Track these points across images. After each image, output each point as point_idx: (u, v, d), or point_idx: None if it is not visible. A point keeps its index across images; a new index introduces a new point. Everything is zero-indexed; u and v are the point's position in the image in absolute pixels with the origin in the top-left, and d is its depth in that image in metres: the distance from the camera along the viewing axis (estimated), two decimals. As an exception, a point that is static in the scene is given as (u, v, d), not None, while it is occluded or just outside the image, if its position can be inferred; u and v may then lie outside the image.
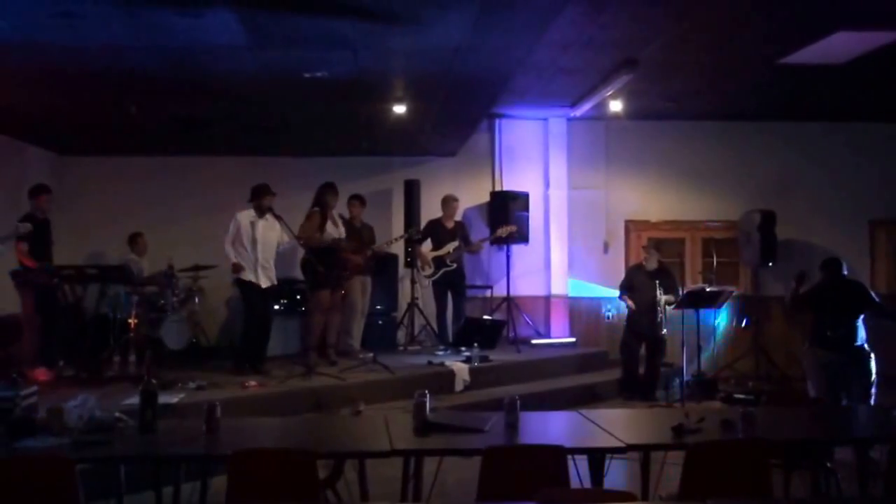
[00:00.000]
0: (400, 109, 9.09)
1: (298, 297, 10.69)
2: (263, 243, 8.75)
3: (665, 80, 9.76)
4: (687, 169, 12.31)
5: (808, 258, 11.03)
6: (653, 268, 10.10)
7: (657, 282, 9.84)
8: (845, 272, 7.79)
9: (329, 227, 9.29)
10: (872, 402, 7.34)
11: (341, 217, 9.68)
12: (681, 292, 10.00)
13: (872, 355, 7.47)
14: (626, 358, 10.19)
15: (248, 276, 8.66)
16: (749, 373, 11.38)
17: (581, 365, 10.77)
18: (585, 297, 12.09)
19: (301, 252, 9.37)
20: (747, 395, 9.68)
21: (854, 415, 6.07)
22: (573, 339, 11.69)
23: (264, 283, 8.76)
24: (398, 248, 11.39)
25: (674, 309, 9.80)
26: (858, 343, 7.49)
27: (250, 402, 7.45)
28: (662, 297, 9.78)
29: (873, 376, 7.41)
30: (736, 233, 12.16)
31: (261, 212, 8.71)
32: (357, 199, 10.21)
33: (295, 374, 8.41)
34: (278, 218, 8.57)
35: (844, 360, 7.45)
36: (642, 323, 9.99)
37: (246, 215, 8.72)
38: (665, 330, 9.92)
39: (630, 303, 10.06)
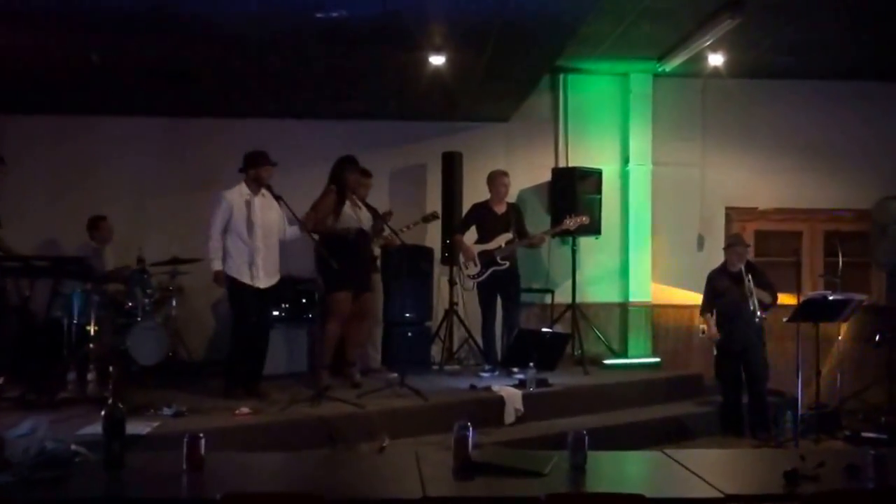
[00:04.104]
0: (438, 61, 9.08)
1: (304, 300, 10.70)
2: (264, 227, 8.74)
3: (780, 27, 9.68)
4: (806, 143, 12.24)
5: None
6: (738, 269, 9.99)
7: (748, 281, 9.71)
8: None
9: (348, 211, 9.29)
10: None
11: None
12: (774, 292, 9.90)
13: None
14: (724, 384, 10.11)
15: (241, 274, 8.65)
16: (881, 405, 11.22)
17: (667, 392, 10.72)
18: (673, 306, 12.05)
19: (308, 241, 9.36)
20: (879, 433, 9.57)
21: None
22: (657, 360, 11.65)
23: (263, 283, 8.76)
24: (433, 240, 11.36)
25: (786, 321, 9.69)
26: None
27: (243, 434, 7.45)
28: (754, 291, 9.62)
29: None
30: (868, 225, 12.07)
31: (257, 186, 8.71)
32: (362, 174, 10.16)
33: (300, 398, 8.40)
34: (277, 198, 8.53)
35: None
36: (735, 338, 9.90)
37: (237, 192, 8.68)
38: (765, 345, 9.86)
39: (711, 330, 9.99)
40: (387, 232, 9.70)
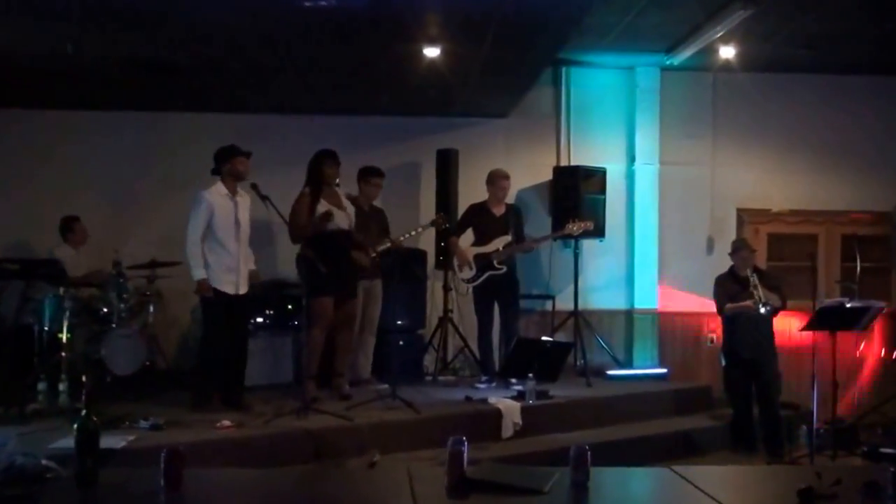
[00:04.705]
0: (433, 53, 9.10)
1: (290, 306, 10.69)
2: (244, 228, 8.77)
3: (796, 17, 9.69)
4: (823, 141, 12.28)
5: None
6: (747, 272, 9.99)
7: (753, 279, 9.71)
8: None
9: (325, 208, 9.25)
10: None
11: (349, 196, 9.65)
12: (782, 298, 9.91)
13: None
14: (733, 396, 10.12)
15: (221, 283, 8.59)
16: (903, 419, 11.28)
17: (675, 405, 10.74)
18: (681, 313, 12.07)
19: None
20: (900, 449, 9.57)
21: None
22: (664, 371, 11.67)
23: (242, 289, 8.77)
24: (427, 243, 11.36)
25: (801, 329, 9.69)
26: None
27: (224, 448, 7.45)
28: (762, 293, 9.61)
29: None
30: (888, 228, 12.14)
31: (235, 182, 8.69)
32: (373, 174, 10.22)
33: (285, 410, 8.40)
34: (264, 198, 8.41)
35: None
36: (745, 347, 9.90)
37: (217, 192, 8.65)
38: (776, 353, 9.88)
39: (747, 303, 9.83)
40: (393, 235, 9.82)
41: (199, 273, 8.51)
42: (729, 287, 10.05)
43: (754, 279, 9.65)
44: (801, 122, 12.26)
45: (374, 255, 9.82)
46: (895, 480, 4.68)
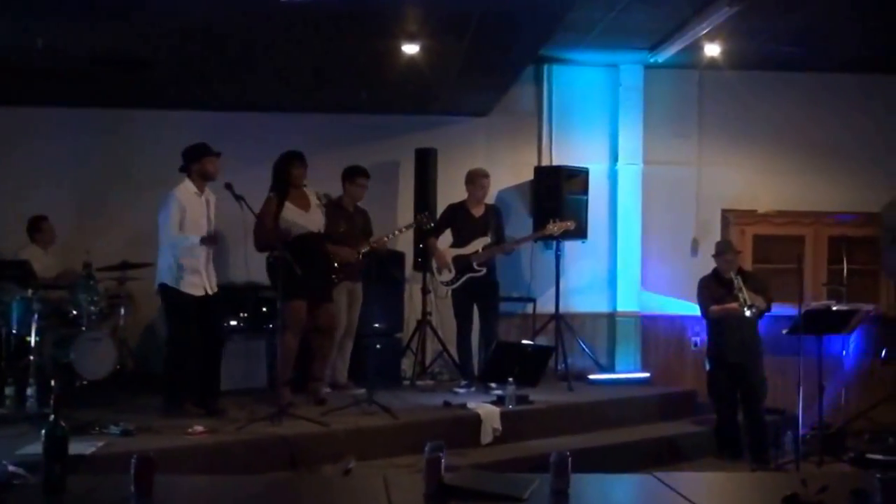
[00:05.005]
0: (412, 49, 9.10)
1: (265, 309, 10.68)
2: (213, 230, 8.76)
3: (784, 15, 9.73)
4: (811, 140, 12.32)
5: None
6: (731, 274, 10.03)
7: (738, 282, 9.74)
8: None
9: (292, 213, 9.21)
10: None
11: (326, 198, 9.62)
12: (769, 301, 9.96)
13: None
14: (718, 401, 10.14)
15: (189, 285, 8.58)
16: (890, 425, 11.30)
17: (659, 410, 10.78)
18: (665, 316, 12.13)
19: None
20: (887, 455, 9.63)
21: None
22: (647, 375, 11.70)
23: (211, 290, 8.77)
24: (405, 244, 11.37)
25: (786, 333, 9.74)
26: None
27: (197, 455, 7.44)
28: (746, 296, 9.64)
29: None
30: (876, 230, 12.17)
31: (204, 182, 8.68)
32: (359, 175, 10.25)
33: (260, 416, 8.39)
34: (238, 198, 8.42)
35: None
36: (730, 351, 9.93)
37: (186, 191, 8.63)
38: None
39: (733, 305, 9.85)
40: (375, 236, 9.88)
41: (193, 240, 8.49)
42: (713, 289, 10.07)
43: (739, 281, 9.68)
44: (788, 121, 12.28)
45: (358, 255, 9.86)
46: (882, 487, 4.71)
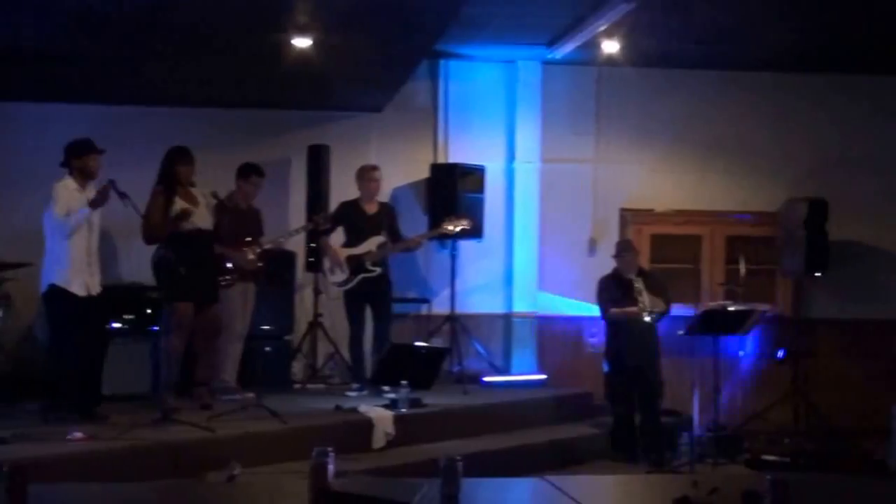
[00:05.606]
0: (303, 43, 9.07)
1: (150, 310, 10.57)
2: (96, 227, 8.68)
3: (681, 10, 9.85)
4: (710, 139, 12.47)
5: (874, 266, 11.22)
6: (632, 274, 10.17)
7: (641, 291, 9.88)
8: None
9: (181, 208, 9.19)
10: None
11: (214, 197, 9.57)
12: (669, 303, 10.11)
13: None
14: (616, 403, 10.26)
15: (72, 284, 8.47)
16: (786, 426, 11.54)
17: (555, 412, 10.88)
18: (562, 317, 12.19)
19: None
20: (782, 456, 9.84)
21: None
22: (544, 377, 11.76)
23: (95, 290, 8.67)
24: (296, 243, 11.32)
25: (682, 333, 9.89)
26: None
27: (76, 463, 7.36)
28: (647, 299, 9.78)
29: None
30: (774, 230, 12.34)
31: (85, 180, 8.57)
32: (254, 173, 10.21)
33: (143, 422, 8.31)
34: (122, 195, 8.38)
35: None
36: (629, 352, 10.05)
37: (69, 188, 8.53)
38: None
39: (633, 309, 9.96)
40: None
41: (83, 211, 8.35)
42: (613, 290, 10.18)
43: (640, 285, 9.79)
44: (687, 119, 12.39)
45: (254, 257, 9.81)
46: (773, 489, 4.81)
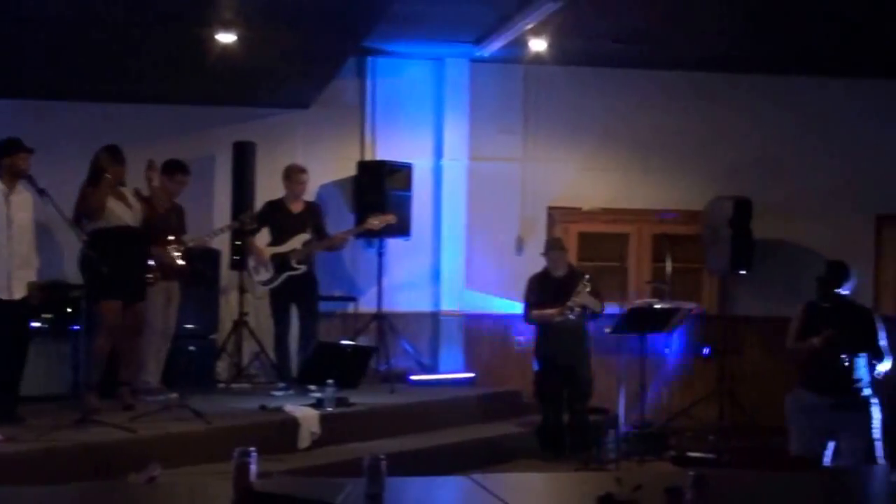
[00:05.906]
0: (228, 39, 9.02)
1: (70, 309, 10.42)
2: (20, 228, 8.49)
3: (609, 10, 9.90)
4: (637, 138, 12.54)
5: (796, 264, 11.34)
6: (561, 273, 10.20)
7: (580, 292, 9.91)
8: (849, 289, 8.08)
9: (116, 208, 9.11)
10: (878, 460, 7.64)
11: (136, 194, 9.50)
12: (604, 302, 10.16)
13: (876, 402, 7.79)
14: (545, 401, 10.29)
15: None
16: (711, 423, 11.63)
17: (483, 410, 10.90)
18: (490, 315, 12.20)
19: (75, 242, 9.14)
20: (706, 453, 9.95)
21: (843, 480, 6.26)
22: (471, 375, 11.79)
23: (17, 293, 8.49)
24: (221, 242, 11.23)
25: (609, 331, 9.93)
26: (858, 385, 7.79)
27: (-6, 464, 7.26)
28: (587, 299, 9.80)
29: (875, 430, 7.73)
30: (699, 228, 12.43)
31: (13, 179, 8.43)
32: (179, 170, 10.10)
33: (63, 423, 8.17)
34: (41, 192, 8.24)
35: (837, 404, 7.77)
36: (559, 351, 10.08)
37: None
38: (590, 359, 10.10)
39: (551, 311, 10.01)
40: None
41: None
42: (538, 292, 10.19)
43: (588, 285, 9.77)
44: (613, 118, 12.45)
45: (178, 255, 9.72)
46: (695, 485, 4.84)
